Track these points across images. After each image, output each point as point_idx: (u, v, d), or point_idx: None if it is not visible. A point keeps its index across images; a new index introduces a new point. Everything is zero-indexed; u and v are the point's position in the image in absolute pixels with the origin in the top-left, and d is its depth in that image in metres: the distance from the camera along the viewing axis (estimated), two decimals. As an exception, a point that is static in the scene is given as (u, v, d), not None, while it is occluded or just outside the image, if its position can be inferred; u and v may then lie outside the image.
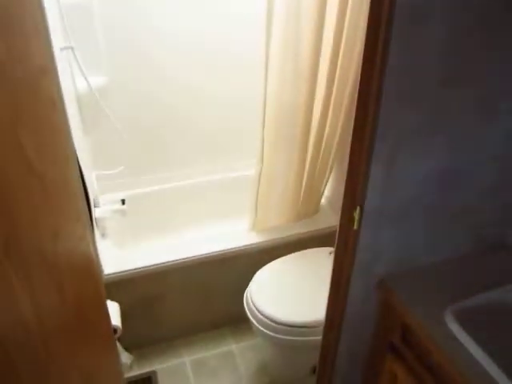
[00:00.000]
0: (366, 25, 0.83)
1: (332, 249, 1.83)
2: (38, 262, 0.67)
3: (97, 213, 1.70)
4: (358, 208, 0.99)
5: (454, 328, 0.99)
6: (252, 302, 1.55)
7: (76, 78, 1.72)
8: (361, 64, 1.62)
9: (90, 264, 0.95)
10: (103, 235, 1.84)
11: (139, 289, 1.79)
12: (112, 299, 1.41)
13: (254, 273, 1.70)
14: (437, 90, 0.90)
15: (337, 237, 1.08)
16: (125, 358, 1.56)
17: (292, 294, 1.59)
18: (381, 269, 1.13)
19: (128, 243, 2.11)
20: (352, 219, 1.01)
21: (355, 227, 1.02)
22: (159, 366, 1.88)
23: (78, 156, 1.10)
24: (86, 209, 0.97)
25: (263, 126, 1.70)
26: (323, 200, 2.15)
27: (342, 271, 1.10)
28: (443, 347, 0.96)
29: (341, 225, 1.05)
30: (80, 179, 0.94)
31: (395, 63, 0.83)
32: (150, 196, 2.22)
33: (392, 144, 0.93)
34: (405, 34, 0.81)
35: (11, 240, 0.59)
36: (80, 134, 1.69)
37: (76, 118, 1.65)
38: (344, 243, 1.07)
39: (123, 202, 1.81)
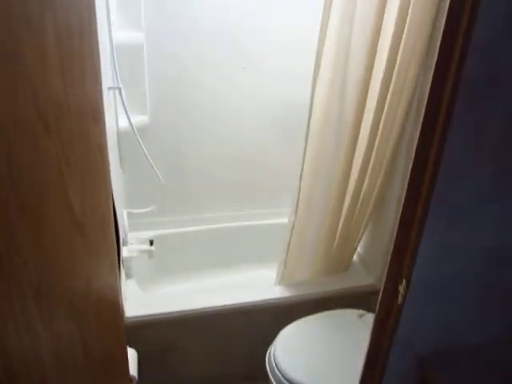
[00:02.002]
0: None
1: (361, 311, 1.73)
2: (66, 307, 0.64)
3: (124, 252, 1.67)
4: (404, 281, 0.92)
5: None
6: (276, 363, 1.46)
7: (119, 116, 1.74)
8: (402, 121, 1.57)
9: (115, 312, 0.91)
10: (127, 275, 1.80)
11: (156, 335, 1.72)
12: (128, 342, 1.35)
13: (277, 329, 1.60)
14: (501, 156, 0.85)
15: (377, 310, 0.99)
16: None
17: (319, 359, 1.48)
18: (423, 347, 1.03)
19: (151, 285, 2.06)
20: (396, 293, 0.94)
21: (399, 302, 0.94)
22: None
23: (113, 193, 1.07)
24: (116, 255, 0.94)
25: (300, 178, 1.67)
26: (355, 257, 2.07)
27: (381, 348, 1.01)
28: None
29: (382, 298, 0.97)
30: (113, 222, 0.91)
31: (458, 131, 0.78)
32: (176, 237, 2.19)
33: (446, 218, 0.87)
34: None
35: (43, 286, 0.56)
36: (116, 172, 1.68)
37: (114, 154, 1.66)
38: (385, 318, 0.98)
39: (151, 242, 1.78)
